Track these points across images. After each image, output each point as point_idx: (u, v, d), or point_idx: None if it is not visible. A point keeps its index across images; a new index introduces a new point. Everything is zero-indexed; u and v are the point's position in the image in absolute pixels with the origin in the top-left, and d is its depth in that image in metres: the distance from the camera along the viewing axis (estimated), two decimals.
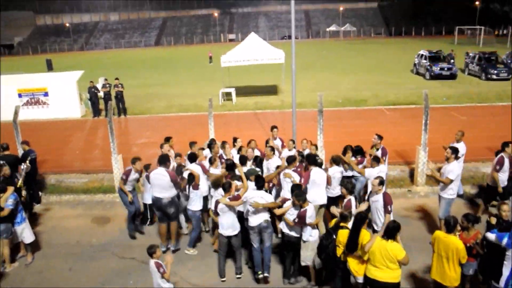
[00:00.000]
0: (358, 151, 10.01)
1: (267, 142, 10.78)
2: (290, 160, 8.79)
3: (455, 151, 8.80)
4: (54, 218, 11.19)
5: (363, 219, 6.60)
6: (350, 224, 6.82)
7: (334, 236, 6.82)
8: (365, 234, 6.52)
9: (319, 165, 8.92)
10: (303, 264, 7.71)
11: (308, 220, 7.28)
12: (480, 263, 6.93)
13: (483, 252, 6.72)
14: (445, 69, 28.92)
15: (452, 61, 31.30)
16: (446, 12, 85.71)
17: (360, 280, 6.68)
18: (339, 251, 6.78)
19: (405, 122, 17.96)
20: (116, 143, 11.92)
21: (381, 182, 7.70)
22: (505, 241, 6.11)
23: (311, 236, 7.47)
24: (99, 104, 22.25)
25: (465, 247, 6.39)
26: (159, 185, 8.79)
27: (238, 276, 8.13)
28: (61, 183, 13.14)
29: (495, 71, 28.04)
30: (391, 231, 6.24)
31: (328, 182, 8.81)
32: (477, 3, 71.21)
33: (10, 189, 8.53)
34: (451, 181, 8.62)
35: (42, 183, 12.93)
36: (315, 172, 8.63)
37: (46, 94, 21.83)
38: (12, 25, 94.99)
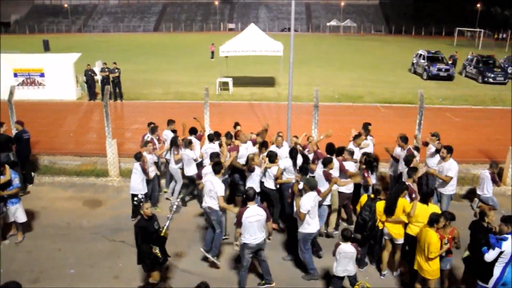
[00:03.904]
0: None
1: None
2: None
3: (450, 150, 9.29)
4: (45, 199, 11.21)
5: (403, 189, 7.77)
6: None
7: (374, 208, 7.73)
8: (404, 202, 7.65)
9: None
10: None
11: None
12: (467, 262, 7.12)
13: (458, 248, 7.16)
14: (443, 70, 29.02)
15: (450, 62, 31.34)
16: (447, 13, 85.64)
17: (400, 241, 7.78)
18: (377, 221, 7.76)
19: (399, 121, 18.05)
20: (111, 127, 11.93)
21: None
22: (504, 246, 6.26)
23: None
24: (95, 87, 22.17)
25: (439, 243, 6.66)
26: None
27: None
28: (54, 165, 13.14)
29: (492, 75, 28.13)
30: (427, 196, 7.60)
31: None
32: (478, 5, 71.20)
33: (6, 168, 8.58)
34: (451, 178, 9.19)
35: (35, 163, 12.92)
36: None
37: (42, 75, 21.70)
38: (10, 2, 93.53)
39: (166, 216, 7.33)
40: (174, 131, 11.35)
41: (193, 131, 11.02)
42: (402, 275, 8.00)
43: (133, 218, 10.06)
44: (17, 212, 8.84)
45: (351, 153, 9.48)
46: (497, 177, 10.34)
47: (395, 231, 7.71)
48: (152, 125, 11.21)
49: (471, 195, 11.28)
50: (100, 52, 40.43)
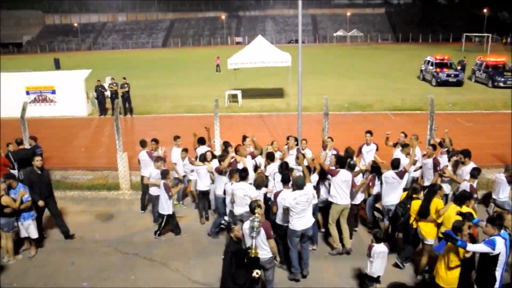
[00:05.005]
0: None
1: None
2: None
3: (467, 154, 9.33)
4: None
5: (436, 190, 7.70)
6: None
7: (409, 206, 7.82)
8: (438, 202, 7.57)
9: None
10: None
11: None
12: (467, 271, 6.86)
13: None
14: (452, 75, 28.86)
15: (458, 67, 31.15)
16: (454, 19, 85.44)
17: (430, 242, 7.70)
18: (411, 219, 7.83)
19: (410, 128, 17.89)
20: (122, 141, 12.00)
21: None
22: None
23: None
24: (105, 103, 22.42)
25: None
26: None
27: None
28: (66, 179, 13.24)
29: (502, 79, 27.96)
30: (463, 198, 7.39)
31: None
32: (485, 10, 70.87)
33: (14, 183, 8.62)
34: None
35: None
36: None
37: (53, 92, 22.03)
38: (22, 23, 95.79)
39: (250, 236, 6.56)
40: (202, 141, 10.95)
41: (201, 141, 10.85)
42: (424, 279, 7.77)
43: (158, 232, 9.76)
44: (29, 228, 8.85)
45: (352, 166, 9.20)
46: None
47: (426, 230, 7.66)
48: (148, 140, 11.14)
49: (486, 199, 11.12)
50: (110, 69, 40.82)
